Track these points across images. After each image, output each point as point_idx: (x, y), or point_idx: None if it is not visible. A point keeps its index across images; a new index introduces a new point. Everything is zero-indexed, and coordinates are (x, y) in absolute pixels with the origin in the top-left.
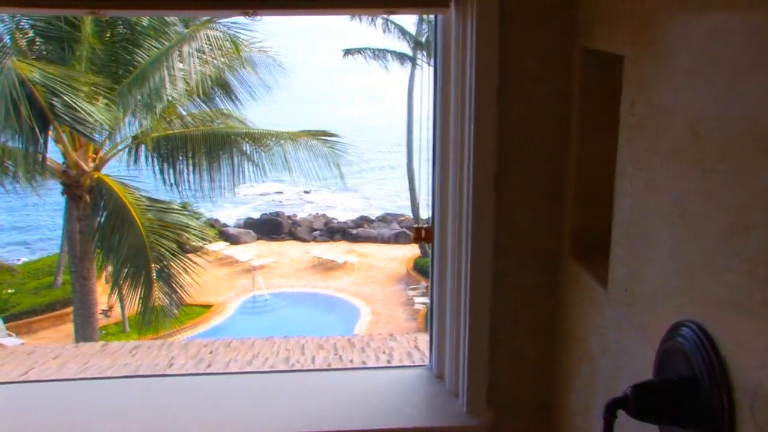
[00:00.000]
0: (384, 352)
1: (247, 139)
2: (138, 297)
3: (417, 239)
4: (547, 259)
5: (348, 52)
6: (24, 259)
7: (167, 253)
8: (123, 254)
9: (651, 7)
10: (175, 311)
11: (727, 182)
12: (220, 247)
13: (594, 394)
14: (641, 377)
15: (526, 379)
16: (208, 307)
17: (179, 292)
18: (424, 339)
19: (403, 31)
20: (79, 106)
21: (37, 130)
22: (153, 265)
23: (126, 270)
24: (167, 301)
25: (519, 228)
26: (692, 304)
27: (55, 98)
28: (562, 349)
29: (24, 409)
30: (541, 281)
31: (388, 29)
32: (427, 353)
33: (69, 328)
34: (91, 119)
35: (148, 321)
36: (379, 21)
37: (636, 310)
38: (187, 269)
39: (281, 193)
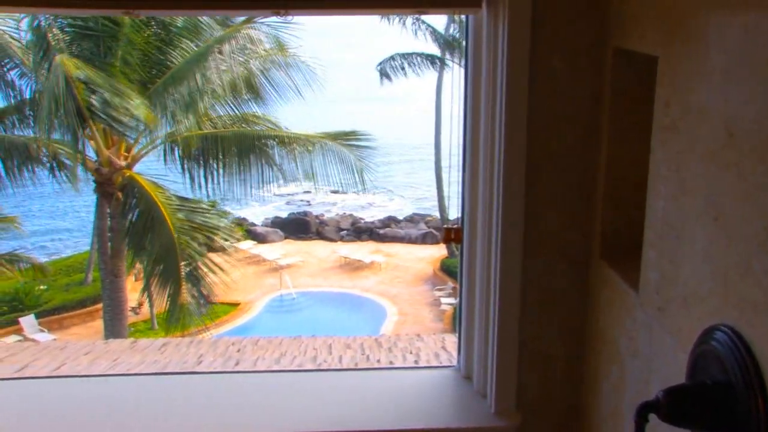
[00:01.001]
0: (411, 353)
1: (276, 141)
2: (167, 295)
3: (446, 240)
4: (577, 260)
5: (380, 65)
6: (55, 256)
7: (196, 252)
8: (154, 253)
9: (686, 6)
10: (203, 310)
11: (763, 184)
12: (248, 245)
13: (623, 397)
14: (673, 381)
15: (554, 380)
16: (235, 305)
17: (207, 290)
18: (451, 340)
19: (433, 31)
20: (117, 104)
21: (76, 127)
22: (182, 264)
23: (156, 268)
24: (195, 299)
25: (548, 229)
26: (727, 308)
27: (93, 96)
28: (590, 352)
29: (57, 404)
30: (570, 283)
31: (419, 28)
32: (455, 354)
33: (98, 324)
34: (126, 117)
35: (176, 319)
36: (409, 20)
37: (668, 314)
38: (215, 268)
39: (309, 192)
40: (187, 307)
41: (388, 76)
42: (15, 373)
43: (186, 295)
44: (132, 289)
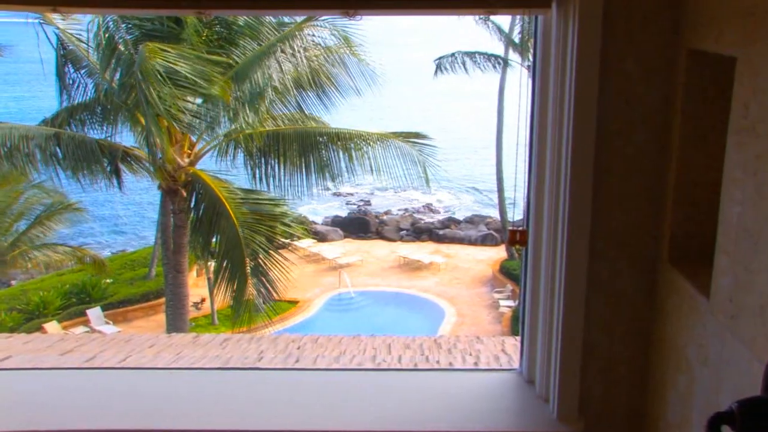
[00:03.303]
0: (470, 354)
1: (337, 139)
2: (232, 291)
3: (511, 242)
4: (644, 265)
5: (439, 60)
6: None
7: (260, 248)
8: (220, 249)
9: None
10: (267, 305)
11: None
12: (308, 244)
13: (692, 407)
14: (746, 392)
15: (618, 387)
16: (294, 303)
17: (271, 287)
18: (510, 342)
19: (499, 30)
20: (186, 101)
21: (147, 124)
22: (248, 260)
23: (222, 264)
24: (262, 295)
25: (616, 233)
26: None
27: (163, 92)
28: (657, 358)
29: (124, 394)
30: (637, 288)
31: (487, 26)
32: (515, 357)
33: (161, 318)
34: (191, 114)
35: (242, 314)
36: (475, 20)
37: (742, 322)
38: (279, 265)
39: (369, 192)
40: (253, 302)
41: (444, 70)
42: (85, 363)
43: (252, 289)
44: (193, 285)
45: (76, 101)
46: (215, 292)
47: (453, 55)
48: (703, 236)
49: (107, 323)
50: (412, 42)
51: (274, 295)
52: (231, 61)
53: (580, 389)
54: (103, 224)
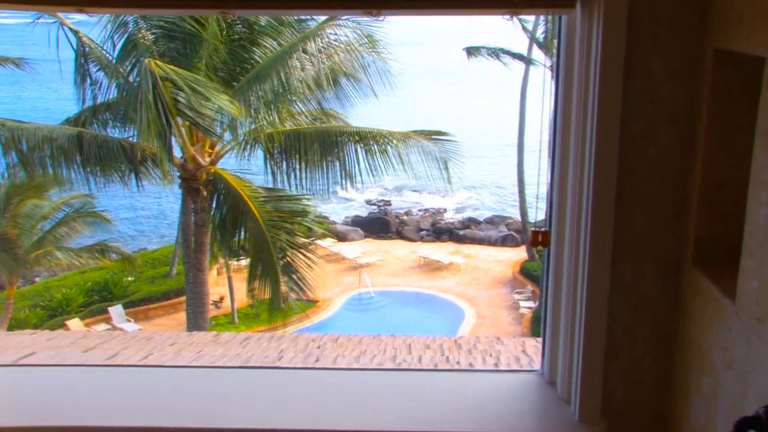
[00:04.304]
0: (491, 355)
1: (358, 138)
2: (267, 287)
3: (534, 243)
4: (668, 267)
5: (469, 51)
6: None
7: (286, 246)
8: (248, 248)
9: None
10: (301, 302)
11: None
12: (328, 243)
13: (716, 411)
14: None
15: (641, 389)
16: (314, 302)
17: (302, 283)
18: (531, 343)
19: (523, 29)
20: (203, 102)
21: (164, 125)
22: (276, 259)
23: (254, 263)
24: (294, 291)
25: (639, 235)
26: None
27: (180, 94)
28: (680, 361)
29: (146, 392)
30: (660, 290)
31: (511, 25)
32: (535, 358)
33: (181, 316)
34: (211, 115)
35: (274, 310)
36: (499, 20)
37: None
38: (305, 263)
39: (390, 191)
40: (286, 298)
41: (474, 55)
42: (107, 360)
43: (284, 286)
44: (213, 283)
45: (98, 101)
46: (255, 290)
47: (478, 48)
48: (728, 238)
49: (128, 321)
50: (432, 41)
51: (308, 292)
52: (233, 80)
53: (602, 391)
54: (124, 222)
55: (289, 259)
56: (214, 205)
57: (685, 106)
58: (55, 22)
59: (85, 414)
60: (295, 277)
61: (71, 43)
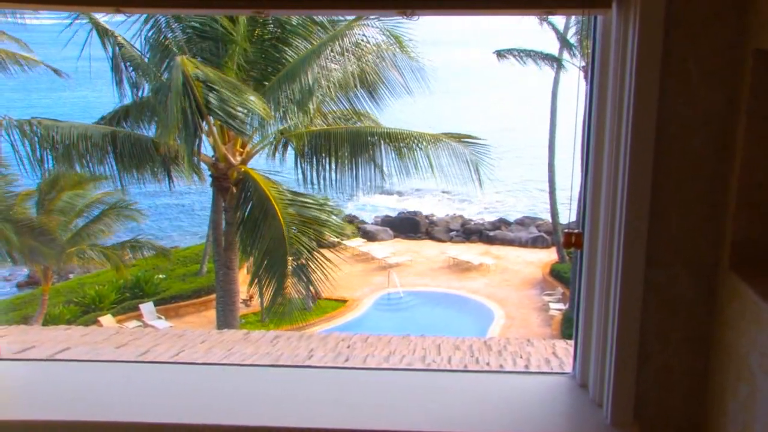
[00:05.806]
0: (521, 357)
1: (388, 140)
2: (272, 288)
3: (567, 244)
4: (704, 270)
5: (499, 53)
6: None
7: (305, 247)
8: (264, 246)
9: None
10: (311, 304)
11: None
12: (358, 243)
13: (753, 417)
14: None
15: (675, 394)
16: (343, 302)
17: (312, 287)
18: (561, 345)
19: (555, 29)
20: (234, 102)
21: (196, 124)
22: (290, 259)
23: (264, 261)
24: (301, 294)
25: (674, 237)
26: None
27: (211, 93)
28: (716, 366)
29: (177, 389)
30: (695, 293)
31: (543, 26)
32: (566, 360)
33: (211, 314)
34: (242, 114)
35: (278, 311)
36: (531, 20)
37: None
38: (324, 264)
39: (420, 191)
40: (290, 300)
41: (505, 57)
42: (139, 356)
43: (290, 289)
44: (243, 282)
45: (131, 100)
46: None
47: (510, 50)
48: (767, 241)
49: (159, 318)
50: (463, 41)
51: (316, 295)
52: (265, 79)
53: (635, 395)
54: (155, 220)
55: (304, 261)
56: (240, 203)
57: (720, 108)
58: (87, 22)
59: (118, 409)
60: (305, 279)
61: (103, 45)
